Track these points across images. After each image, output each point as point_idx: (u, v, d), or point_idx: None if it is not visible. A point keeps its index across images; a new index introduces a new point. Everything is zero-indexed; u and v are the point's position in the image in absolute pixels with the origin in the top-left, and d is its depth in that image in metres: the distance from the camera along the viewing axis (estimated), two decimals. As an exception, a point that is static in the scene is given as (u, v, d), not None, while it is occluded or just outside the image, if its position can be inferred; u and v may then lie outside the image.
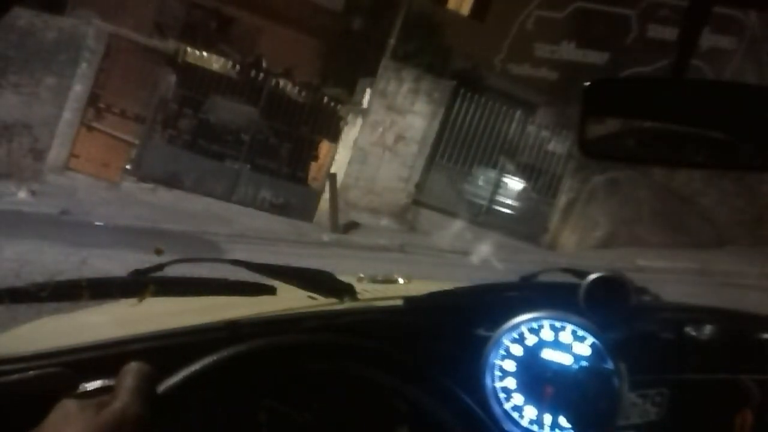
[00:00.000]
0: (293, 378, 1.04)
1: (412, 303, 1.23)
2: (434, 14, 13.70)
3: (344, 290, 1.24)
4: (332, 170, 11.22)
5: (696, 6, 0.92)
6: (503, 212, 11.77)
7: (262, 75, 11.37)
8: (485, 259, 8.74)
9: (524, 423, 1.15)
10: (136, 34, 11.01)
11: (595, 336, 1.15)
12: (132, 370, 0.75)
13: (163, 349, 0.99)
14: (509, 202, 11.80)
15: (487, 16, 15.28)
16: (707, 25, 0.95)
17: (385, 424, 1.07)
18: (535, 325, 1.18)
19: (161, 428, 0.76)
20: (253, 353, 0.96)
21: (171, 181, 10.78)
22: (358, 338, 1.07)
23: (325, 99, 11.78)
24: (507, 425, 1.15)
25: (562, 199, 11.52)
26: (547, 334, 1.18)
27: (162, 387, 0.80)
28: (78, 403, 0.71)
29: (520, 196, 11.78)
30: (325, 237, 10.23)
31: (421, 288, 1.55)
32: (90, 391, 0.82)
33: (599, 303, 1.16)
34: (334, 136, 11.79)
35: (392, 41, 11.63)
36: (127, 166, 10.88)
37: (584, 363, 1.15)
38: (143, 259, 1.25)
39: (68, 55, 10.43)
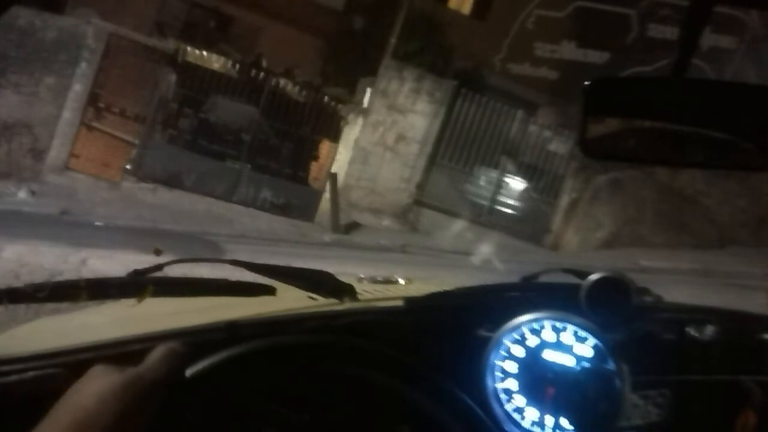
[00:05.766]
0: (294, 378, 1.04)
1: (413, 303, 1.23)
2: (435, 14, 13.71)
3: (344, 291, 1.24)
4: (333, 170, 11.22)
5: (697, 5, 0.91)
6: (505, 212, 11.77)
7: (262, 74, 11.38)
8: (487, 259, 8.73)
9: (525, 424, 1.15)
10: (136, 33, 11.03)
11: (596, 337, 1.15)
12: (165, 345, 0.81)
13: None
14: (511, 202, 11.79)
15: (488, 15, 15.31)
16: (708, 25, 0.95)
17: (385, 425, 1.07)
18: (536, 325, 1.18)
19: (177, 412, 0.80)
20: (273, 348, 0.98)
21: (171, 181, 10.78)
22: (358, 339, 1.06)
23: (326, 99, 11.78)
24: (508, 426, 1.14)
25: (565, 199, 11.52)
26: (548, 335, 1.18)
27: (190, 371, 0.85)
28: (103, 367, 0.76)
29: (522, 196, 11.77)
30: (326, 237, 10.23)
31: (421, 288, 1.55)
32: None
33: (601, 303, 1.15)
34: (335, 136, 11.79)
35: (393, 41, 11.63)
36: (127, 166, 10.89)
37: (586, 364, 1.14)
38: (143, 260, 1.25)
39: (68, 55, 10.45)
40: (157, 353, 0.79)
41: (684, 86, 0.91)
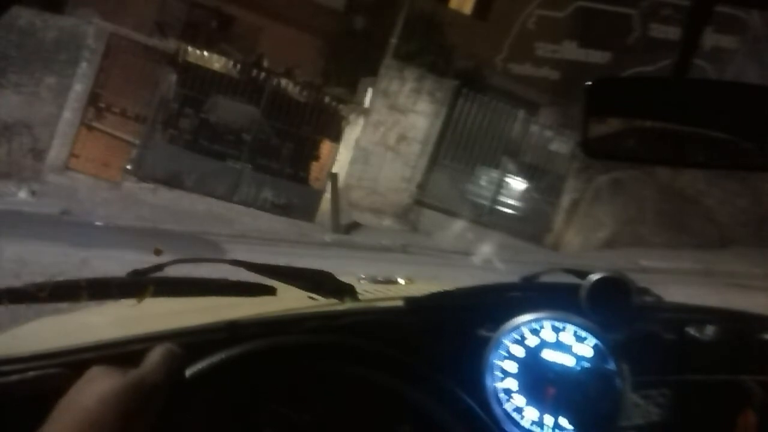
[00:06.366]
0: (294, 378, 1.04)
1: (413, 303, 1.23)
2: (436, 13, 13.71)
3: (345, 291, 1.24)
4: (334, 170, 11.22)
5: (698, 5, 0.91)
6: (506, 212, 11.76)
7: (263, 74, 11.38)
8: (487, 259, 8.73)
9: (525, 424, 1.15)
10: (137, 33, 11.03)
11: (596, 336, 1.15)
12: (162, 347, 0.80)
13: None
14: (512, 202, 11.79)
15: (488, 15, 15.31)
16: (709, 25, 0.95)
17: (385, 425, 1.07)
18: (536, 325, 1.18)
19: (177, 413, 0.79)
20: (274, 348, 0.98)
21: (172, 181, 10.79)
22: (358, 339, 1.06)
23: (327, 99, 11.78)
24: (508, 426, 1.14)
25: (566, 199, 11.52)
26: (548, 335, 1.18)
27: (190, 371, 0.85)
28: (103, 368, 0.76)
29: (523, 196, 11.77)
30: (327, 237, 10.24)
31: (421, 288, 1.55)
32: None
33: (601, 303, 1.15)
34: (336, 136, 11.79)
35: (394, 40, 11.63)
36: (128, 166, 10.89)
37: (586, 364, 1.14)
38: (143, 260, 1.25)
39: (68, 55, 10.45)
40: (156, 354, 0.79)
41: (685, 86, 0.92)
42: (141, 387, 0.73)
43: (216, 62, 11.30)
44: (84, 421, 0.68)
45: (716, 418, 1.23)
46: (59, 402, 0.71)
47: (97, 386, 0.72)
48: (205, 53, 11.30)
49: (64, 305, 1.11)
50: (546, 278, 1.42)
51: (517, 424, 1.15)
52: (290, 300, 1.28)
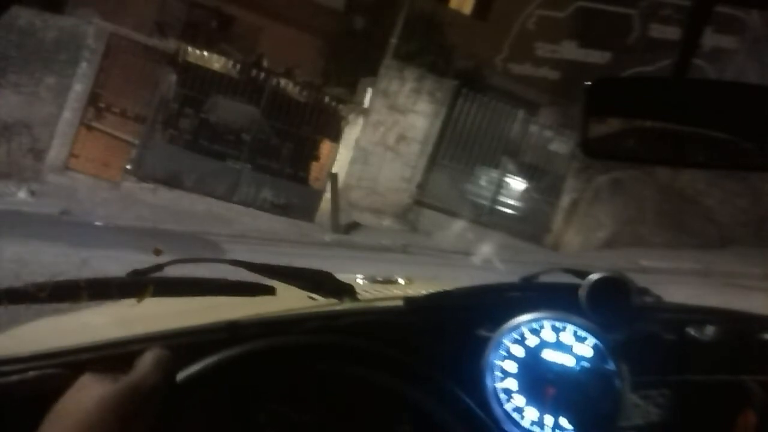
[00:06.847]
0: (294, 378, 1.04)
1: (412, 303, 1.23)
2: (436, 13, 13.72)
3: (344, 291, 1.23)
4: (334, 170, 11.22)
5: (698, 5, 0.91)
6: (506, 212, 11.76)
7: (263, 74, 11.38)
8: (487, 259, 8.73)
9: (525, 424, 1.15)
10: (137, 33, 11.03)
11: (596, 337, 1.15)
12: (153, 351, 0.80)
13: None
14: (512, 202, 11.79)
15: (488, 15, 15.32)
16: (709, 25, 0.95)
17: (385, 425, 1.07)
18: (536, 325, 1.18)
19: (171, 417, 0.79)
20: (272, 349, 0.98)
21: (172, 181, 10.79)
22: (358, 339, 1.06)
23: (327, 99, 11.78)
24: (508, 426, 1.14)
25: (565, 199, 11.52)
26: (548, 335, 1.17)
27: (182, 375, 0.85)
28: (95, 375, 0.75)
29: (523, 196, 11.77)
30: (327, 237, 10.24)
31: (421, 288, 1.55)
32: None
33: (601, 303, 1.15)
34: (336, 136, 11.79)
35: (394, 41, 11.64)
36: (128, 166, 10.89)
37: (586, 364, 1.14)
38: (143, 260, 1.25)
39: (68, 55, 10.46)
40: (151, 357, 0.79)
41: (685, 86, 0.91)
42: (140, 389, 0.73)
43: (216, 62, 11.31)
44: (84, 423, 0.68)
45: (716, 419, 1.22)
46: (55, 406, 0.71)
47: (96, 389, 0.72)
48: (205, 53, 11.30)
49: (64, 305, 1.11)
50: (546, 278, 1.41)
51: (517, 424, 1.15)
52: (290, 300, 1.28)
